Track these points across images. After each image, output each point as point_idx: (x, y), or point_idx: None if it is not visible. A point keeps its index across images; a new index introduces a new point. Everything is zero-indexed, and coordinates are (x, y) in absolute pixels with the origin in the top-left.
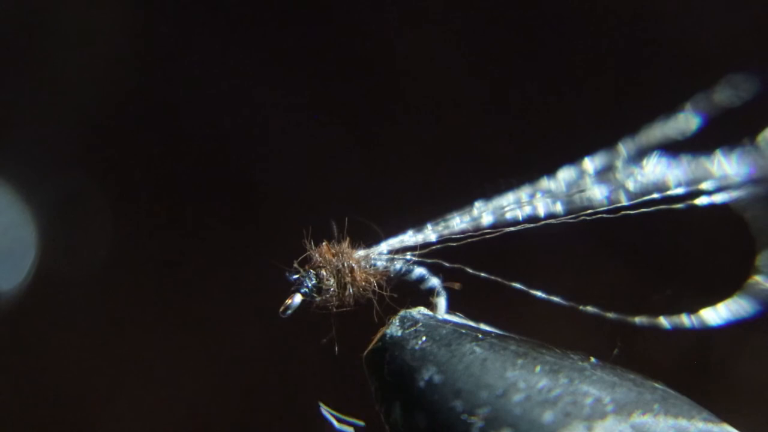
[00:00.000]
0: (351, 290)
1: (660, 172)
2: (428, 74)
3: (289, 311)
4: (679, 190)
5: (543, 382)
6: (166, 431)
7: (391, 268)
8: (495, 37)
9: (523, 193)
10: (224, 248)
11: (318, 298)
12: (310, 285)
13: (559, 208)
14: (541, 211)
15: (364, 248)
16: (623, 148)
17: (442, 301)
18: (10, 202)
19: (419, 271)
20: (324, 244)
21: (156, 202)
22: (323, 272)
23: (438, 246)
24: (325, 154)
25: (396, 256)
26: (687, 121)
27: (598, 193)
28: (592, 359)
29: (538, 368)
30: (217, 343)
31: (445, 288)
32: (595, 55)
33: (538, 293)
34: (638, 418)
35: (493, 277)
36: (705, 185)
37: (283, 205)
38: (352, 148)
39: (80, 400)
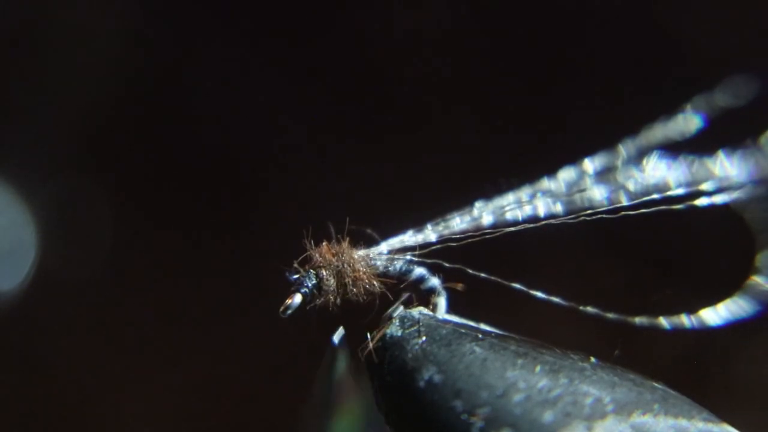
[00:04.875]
0: (351, 290)
1: (660, 173)
2: (429, 74)
3: (289, 311)
4: (680, 191)
5: (543, 382)
6: (166, 430)
7: (391, 268)
8: (496, 37)
9: (524, 193)
10: (225, 248)
11: (318, 298)
12: (310, 285)
13: (559, 208)
14: (541, 211)
15: (364, 248)
16: (623, 149)
17: (442, 301)
18: (10, 202)
19: (419, 271)
20: (324, 244)
21: (156, 202)
22: (323, 272)
23: (438, 246)
24: (326, 154)
25: (396, 256)
26: (687, 122)
27: (598, 193)
28: (592, 359)
29: (538, 368)
30: (219, 344)
31: (446, 288)
32: (596, 55)
33: (538, 293)
34: (638, 418)
35: (493, 278)
36: (705, 186)
37: (284, 205)
38: (354, 148)
39: (80, 400)
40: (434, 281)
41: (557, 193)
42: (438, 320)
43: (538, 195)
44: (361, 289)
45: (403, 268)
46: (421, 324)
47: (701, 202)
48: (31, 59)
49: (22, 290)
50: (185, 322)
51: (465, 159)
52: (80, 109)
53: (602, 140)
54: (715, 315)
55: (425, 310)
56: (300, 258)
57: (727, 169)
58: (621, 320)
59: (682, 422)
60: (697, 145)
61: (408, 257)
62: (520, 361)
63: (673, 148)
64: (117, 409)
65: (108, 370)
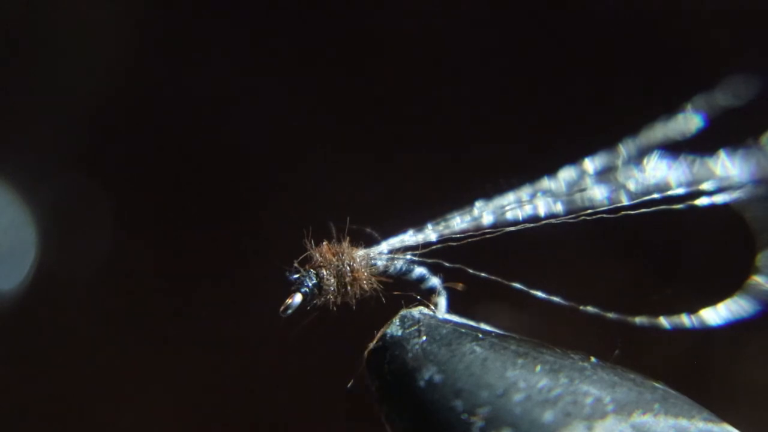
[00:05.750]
0: (351, 290)
1: (661, 173)
2: (430, 74)
3: (290, 311)
4: (680, 191)
5: (543, 382)
6: (167, 431)
7: (392, 268)
8: (497, 39)
9: (524, 192)
10: (225, 248)
11: (318, 298)
12: (310, 284)
13: (559, 207)
14: (542, 211)
15: (365, 248)
16: (624, 149)
17: (442, 301)
18: (10, 202)
19: (419, 270)
20: (324, 243)
21: (156, 202)
22: (324, 272)
23: (438, 246)
24: (327, 154)
25: (396, 256)
26: (687, 122)
27: (598, 193)
28: (593, 359)
29: (538, 368)
30: (218, 343)
31: (446, 288)
32: (596, 54)
33: (539, 293)
34: (638, 418)
35: (493, 277)
36: (706, 186)
37: (285, 205)
38: (354, 148)
39: (81, 400)
40: (434, 281)
41: (557, 193)
42: (438, 320)
43: (539, 195)
44: (362, 289)
45: (404, 268)
46: (421, 323)
47: (702, 202)
48: (30, 59)
49: (22, 290)
50: (185, 322)
51: (465, 158)
52: (80, 109)
53: (602, 140)
54: (715, 315)
55: (425, 310)
56: (300, 258)
57: (728, 168)
58: (621, 320)
59: (683, 422)
60: (698, 145)
61: (408, 257)
62: (520, 361)
63: (673, 148)
64: (117, 409)
65: (108, 370)
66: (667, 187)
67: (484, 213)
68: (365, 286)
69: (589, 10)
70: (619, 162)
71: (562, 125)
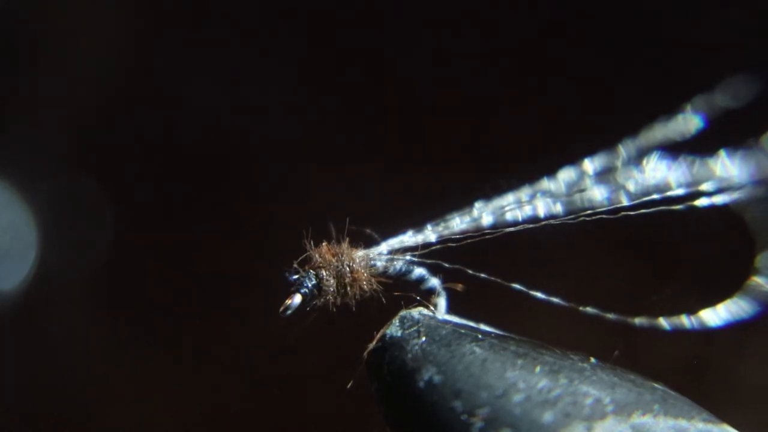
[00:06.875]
0: (351, 290)
1: (660, 173)
2: (431, 74)
3: (289, 311)
4: (680, 191)
5: (543, 383)
6: (166, 431)
7: (391, 269)
8: (494, 37)
9: (523, 193)
10: (224, 248)
11: (318, 299)
12: (310, 285)
13: (559, 208)
14: (541, 212)
15: (364, 248)
16: (623, 149)
17: (442, 302)
18: (10, 202)
19: (419, 271)
20: (324, 244)
21: (156, 203)
22: (323, 272)
23: (438, 246)
24: (327, 154)
25: (396, 257)
26: (687, 122)
27: (598, 193)
28: (592, 360)
29: (537, 369)
30: (217, 343)
31: (445, 288)
32: (596, 55)
33: (538, 294)
34: (638, 419)
35: (492, 278)
36: (706, 186)
37: (285, 205)
38: (354, 148)
39: (80, 400)
40: (434, 281)
41: (557, 194)
42: (438, 320)
43: (538, 195)
44: (361, 290)
45: (403, 269)
46: (420, 324)
47: (701, 202)
48: (31, 59)
49: (22, 290)
50: (186, 321)
51: (465, 159)
52: (80, 109)
53: (602, 140)
54: (715, 315)
55: (425, 311)
56: (300, 258)
57: (728, 169)
58: (621, 320)
59: (682, 423)
60: (698, 145)
61: (408, 257)
62: (519, 362)
63: (673, 148)
64: (116, 409)
65: (108, 370)
66: (667, 188)
67: (483, 213)
68: (365, 286)
69: (587, 11)
70: (619, 162)
71: (562, 126)
